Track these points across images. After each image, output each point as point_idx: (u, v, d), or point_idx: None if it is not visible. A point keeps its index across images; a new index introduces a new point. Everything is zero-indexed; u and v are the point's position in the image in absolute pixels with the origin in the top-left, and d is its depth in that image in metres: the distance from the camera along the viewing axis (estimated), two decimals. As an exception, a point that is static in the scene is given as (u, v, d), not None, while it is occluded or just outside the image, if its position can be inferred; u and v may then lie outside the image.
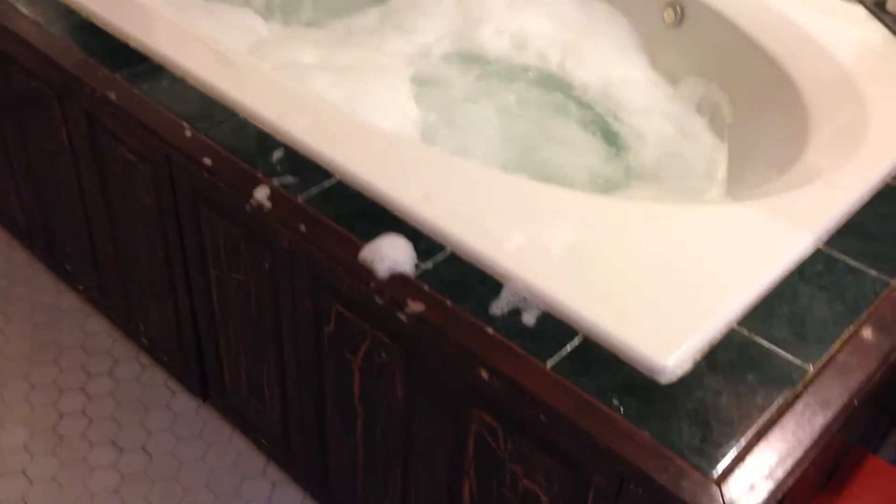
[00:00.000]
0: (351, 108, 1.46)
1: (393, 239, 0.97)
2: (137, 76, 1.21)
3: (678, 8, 1.59)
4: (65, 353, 1.55)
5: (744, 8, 1.52)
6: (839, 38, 1.41)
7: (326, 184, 1.05)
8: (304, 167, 1.07)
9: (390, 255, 0.95)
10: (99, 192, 1.35)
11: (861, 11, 1.47)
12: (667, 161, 1.47)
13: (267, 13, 1.76)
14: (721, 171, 1.43)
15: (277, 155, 1.09)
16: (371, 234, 0.97)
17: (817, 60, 1.38)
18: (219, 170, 1.08)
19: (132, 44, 1.28)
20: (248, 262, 1.12)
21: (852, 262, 0.97)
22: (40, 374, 1.52)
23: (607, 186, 1.44)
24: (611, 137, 1.53)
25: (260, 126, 1.13)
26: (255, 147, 1.10)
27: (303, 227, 0.99)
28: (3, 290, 1.67)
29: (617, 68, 1.61)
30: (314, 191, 1.04)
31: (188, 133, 1.11)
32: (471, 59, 1.72)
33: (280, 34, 1.66)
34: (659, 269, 0.94)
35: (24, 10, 1.35)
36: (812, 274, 0.96)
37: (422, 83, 1.62)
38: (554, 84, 1.65)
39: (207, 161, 1.08)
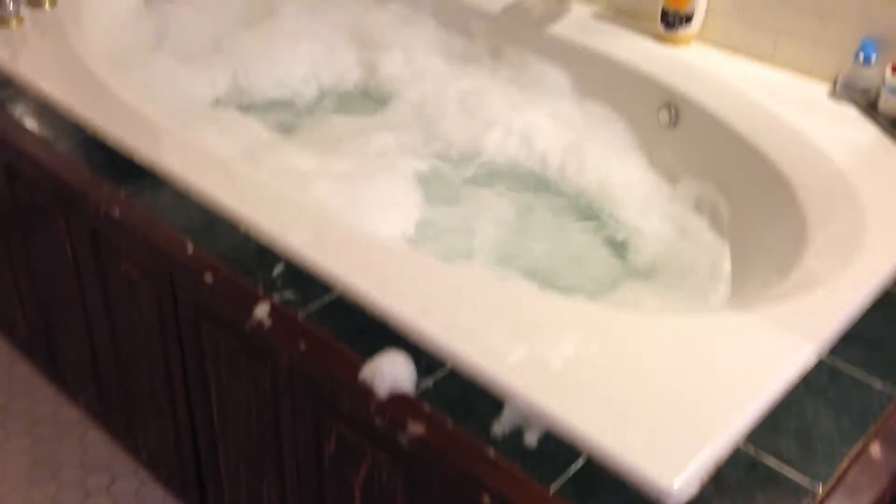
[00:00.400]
0: (353, 215, 1.49)
1: (393, 356, 0.97)
2: (142, 191, 1.24)
3: (673, 109, 1.63)
4: (63, 468, 1.54)
5: (737, 109, 1.56)
6: (832, 139, 1.44)
7: (327, 298, 1.06)
8: (305, 282, 1.09)
9: (390, 373, 0.95)
10: (102, 307, 1.36)
11: (853, 112, 1.51)
12: (669, 260, 1.48)
13: (267, 119, 1.80)
14: (725, 269, 1.43)
15: (278, 269, 1.10)
16: (372, 350, 0.98)
17: (812, 162, 1.41)
18: (220, 286, 1.09)
19: (137, 158, 1.31)
20: (249, 379, 1.12)
21: (857, 374, 0.97)
22: (39, 492, 1.50)
23: (609, 288, 1.44)
24: (611, 238, 1.55)
25: (261, 240, 1.15)
26: (256, 262, 1.12)
27: (303, 346, 1.00)
28: (3, 404, 1.67)
29: (616, 169, 1.64)
30: (315, 306, 1.05)
31: (190, 249, 1.13)
32: (471, 160, 1.75)
33: (279, 139, 1.70)
34: (662, 385, 0.93)
35: (30, 125, 1.39)
36: (817, 386, 0.95)
37: (422, 185, 1.65)
38: (553, 184, 1.68)
39: (209, 278, 1.09)
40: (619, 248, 1.53)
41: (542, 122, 1.75)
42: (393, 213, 1.55)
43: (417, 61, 1.97)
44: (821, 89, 1.58)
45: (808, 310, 1.07)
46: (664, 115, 1.64)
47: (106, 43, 1.78)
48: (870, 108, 1.49)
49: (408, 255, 1.18)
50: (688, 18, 1.67)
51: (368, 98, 1.98)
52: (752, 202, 1.47)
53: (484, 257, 1.51)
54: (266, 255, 1.13)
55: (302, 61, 1.99)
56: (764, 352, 0.99)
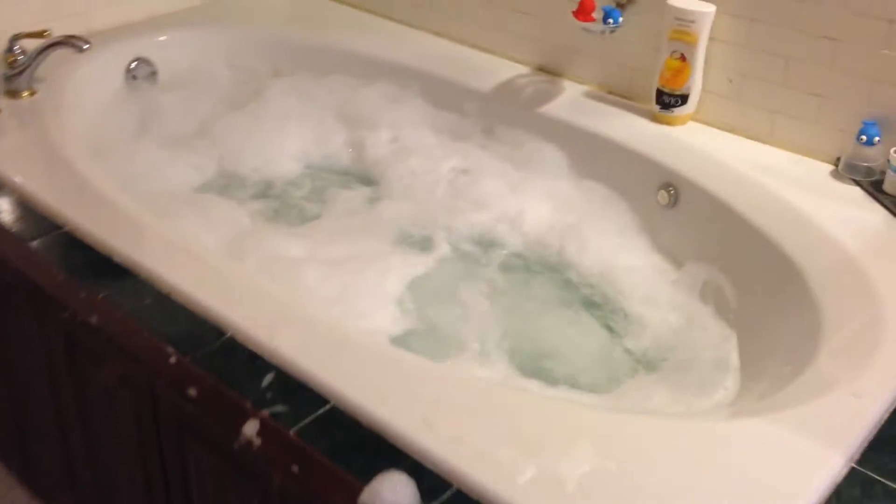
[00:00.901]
0: (343, 306, 1.43)
1: (393, 478, 0.90)
2: (121, 294, 1.18)
3: (672, 189, 1.60)
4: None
5: (738, 189, 1.53)
6: (839, 221, 1.41)
7: (320, 411, 1.00)
8: (297, 392, 1.02)
9: (391, 498, 0.88)
10: (77, 415, 1.29)
11: (857, 192, 1.48)
12: (675, 351, 1.42)
13: (254, 205, 1.76)
14: (733, 361, 1.38)
15: (268, 379, 1.04)
16: (371, 469, 0.91)
17: (819, 245, 1.37)
18: (205, 401, 1.02)
19: (116, 258, 1.25)
20: (238, 501, 1.04)
21: (890, 483, 0.91)
22: None
23: (615, 381, 1.38)
24: (615, 327, 1.50)
25: (250, 346, 1.09)
26: (244, 371, 1.05)
27: (295, 468, 0.93)
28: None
29: (617, 252, 1.59)
30: (307, 420, 0.98)
31: (173, 359, 1.07)
32: (465, 243, 1.70)
33: (266, 226, 1.65)
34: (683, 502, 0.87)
35: (3, 221, 1.33)
36: (850, 499, 0.89)
37: (415, 272, 1.59)
38: (553, 270, 1.63)
39: (193, 392, 1.03)
40: (623, 337, 1.48)
41: (539, 202, 1.71)
42: (385, 304, 1.49)
43: (407, 140, 1.94)
44: (823, 169, 1.55)
45: (831, 412, 1.02)
46: (663, 196, 1.61)
47: (87, 131, 1.74)
48: (875, 188, 1.47)
49: (405, 360, 1.12)
50: (683, 99, 1.65)
51: (358, 179, 1.93)
52: (758, 287, 1.43)
53: (483, 352, 1.45)
54: (255, 362, 1.07)
55: (289, 144, 1.95)
56: (792, 462, 0.94)
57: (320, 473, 0.92)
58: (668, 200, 1.60)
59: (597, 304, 1.55)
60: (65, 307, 1.17)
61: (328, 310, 1.34)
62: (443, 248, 1.69)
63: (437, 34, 2.07)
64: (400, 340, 1.43)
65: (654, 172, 1.64)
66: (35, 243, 1.28)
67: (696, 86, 1.64)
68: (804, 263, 1.34)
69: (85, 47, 1.63)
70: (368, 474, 0.90)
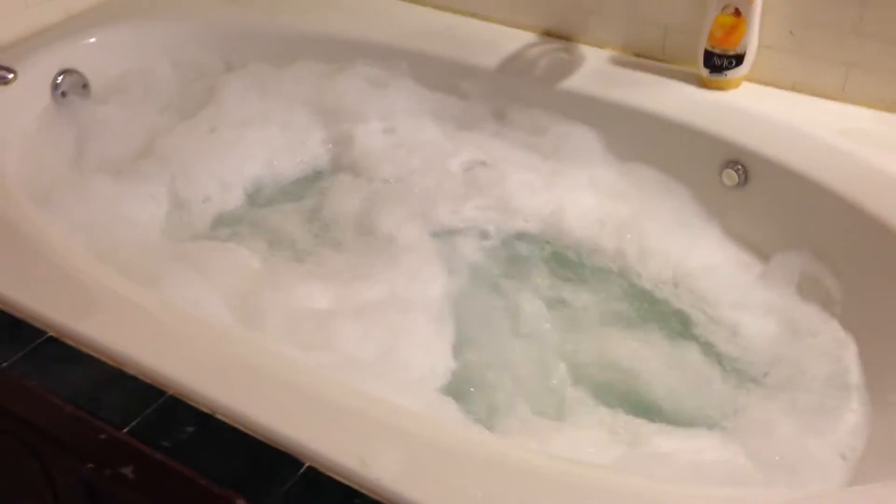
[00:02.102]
0: (389, 364, 1.19)
1: None
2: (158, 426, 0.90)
3: (739, 167, 1.39)
4: None
5: (820, 159, 1.33)
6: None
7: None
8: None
9: None
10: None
11: (962, 151, 1.29)
12: (784, 366, 1.23)
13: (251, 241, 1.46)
14: (854, 375, 1.19)
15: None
16: None
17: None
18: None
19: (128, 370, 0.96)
20: None
21: None
22: None
23: (728, 412, 1.18)
24: (708, 343, 1.28)
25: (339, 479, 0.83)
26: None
27: None
28: None
29: (688, 249, 1.38)
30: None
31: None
32: (505, 252, 1.46)
33: (276, 268, 1.37)
34: None
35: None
36: None
37: (458, 306, 1.35)
38: (616, 276, 1.40)
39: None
40: (720, 356, 1.26)
41: (580, 196, 1.47)
42: (433, 348, 1.25)
43: (404, 131, 1.67)
44: (912, 126, 1.36)
45: None
46: (730, 176, 1.39)
47: (19, 172, 1.41)
48: (982, 145, 1.29)
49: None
50: (738, 59, 1.42)
51: (352, 184, 1.63)
52: (869, 277, 1.24)
53: (562, 391, 1.22)
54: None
55: (257, 152, 1.64)
56: None
57: None
58: (737, 180, 1.39)
59: (676, 317, 1.33)
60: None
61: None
62: (477, 260, 1.45)
63: (421, 3, 1.78)
64: (461, 389, 1.21)
65: (714, 148, 1.42)
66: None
67: (752, 43, 1.42)
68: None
69: (10, 77, 1.29)
70: None
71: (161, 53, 1.74)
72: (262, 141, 1.65)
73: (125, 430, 0.87)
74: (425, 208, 1.53)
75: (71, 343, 0.97)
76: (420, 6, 1.77)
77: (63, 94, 1.59)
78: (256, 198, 1.59)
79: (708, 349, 1.28)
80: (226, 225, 1.51)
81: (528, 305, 1.36)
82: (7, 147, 1.44)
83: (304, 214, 1.55)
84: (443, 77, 1.67)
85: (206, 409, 0.90)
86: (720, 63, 1.43)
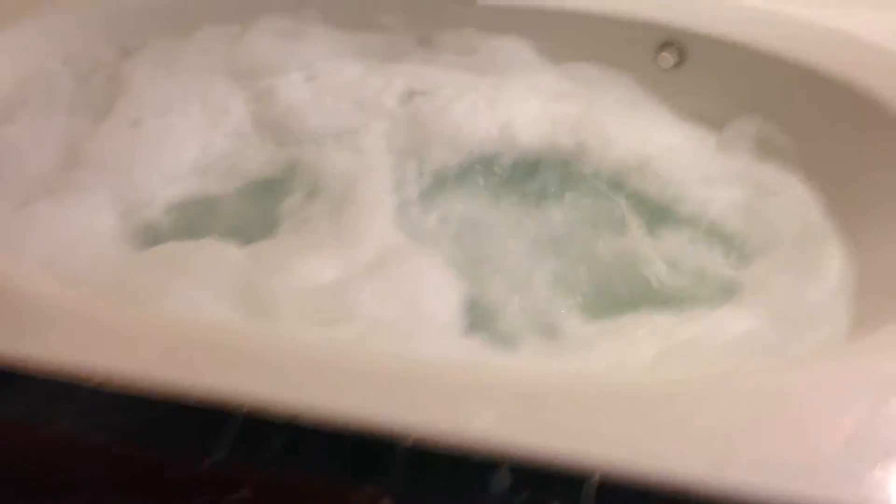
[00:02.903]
0: (413, 318, 1.21)
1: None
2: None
3: (672, 48, 1.44)
4: None
5: (748, 24, 1.40)
6: (877, 27, 1.32)
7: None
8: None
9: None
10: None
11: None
12: (759, 230, 1.32)
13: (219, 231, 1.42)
14: (824, 222, 1.29)
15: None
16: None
17: (881, 59, 1.28)
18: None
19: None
20: None
21: None
22: None
23: (721, 288, 1.26)
24: (691, 223, 1.35)
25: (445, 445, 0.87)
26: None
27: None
28: None
29: (644, 134, 1.43)
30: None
31: None
32: (474, 175, 1.48)
33: (259, 253, 1.34)
34: None
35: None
36: None
37: (446, 241, 1.37)
38: (583, 178, 1.44)
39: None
40: (701, 233, 1.34)
41: (528, 103, 1.50)
42: (446, 293, 1.27)
43: (329, 76, 1.63)
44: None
45: None
46: (666, 59, 1.45)
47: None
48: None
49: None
50: (651, -61, 1.45)
51: (289, 144, 1.60)
52: (820, 129, 1.34)
53: (551, 298, 1.28)
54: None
55: (187, 137, 1.58)
56: None
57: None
58: (673, 62, 1.45)
59: (649, 200, 1.40)
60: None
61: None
62: (448, 191, 1.46)
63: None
64: (481, 324, 1.25)
65: (642, 34, 1.47)
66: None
67: (661, -80, 1.45)
68: (879, 92, 1.26)
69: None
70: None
71: (50, 53, 1.63)
72: (189, 123, 1.59)
73: (219, 457, 0.87)
74: (374, 151, 1.53)
75: (118, 390, 0.95)
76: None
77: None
78: (205, 184, 1.54)
79: (688, 229, 1.36)
80: (185, 220, 1.46)
81: (509, 225, 1.40)
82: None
83: (258, 190, 1.52)
84: (355, 14, 1.63)
85: (286, 416, 0.91)
86: (634, -52, 1.46)
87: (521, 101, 1.51)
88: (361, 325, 1.17)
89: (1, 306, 1.06)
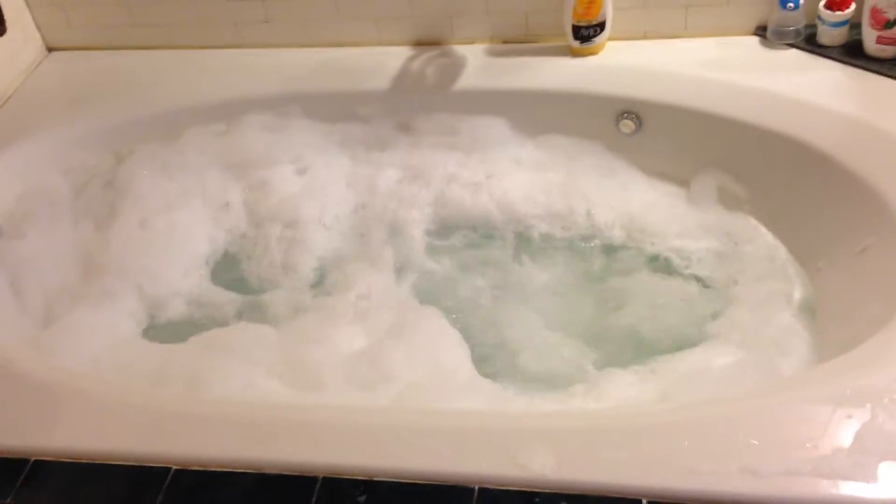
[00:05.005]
0: (438, 373, 1.33)
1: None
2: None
3: (631, 116, 1.62)
4: None
5: (692, 90, 1.59)
6: (804, 86, 1.52)
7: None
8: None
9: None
10: None
11: (796, 53, 1.60)
12: (730, 269, 1.49)
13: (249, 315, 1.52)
14: (782, 255, 1.48)
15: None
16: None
17: (811, 115, 1.48)
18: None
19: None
20: None
21: None
22: None
23: (704, 326, 1.41)
24: (675, 271, 1.51)
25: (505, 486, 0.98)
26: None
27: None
28: None
29: (623, 194, 1.60)
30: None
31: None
32: (469, 241, 1.63)
33: (292, 328, 1.44)
34: None
35: None
36: None
37: (456, 304, 1.51)
38: (576, 239, 1.59)
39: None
40: (685, 278, 1.50)
41: (515, 176, 1.65)
42: (458, 346, 1.41)
43: (318, 169, 1.75)
44: (749, 42, 1.65)
45: None
46: (627, 125, 1.63)
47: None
48: (809, 44, 1.59)
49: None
50: (601, 26, 1.64)
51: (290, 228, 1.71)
52: (767, 176, 1.52)
53: (570, 352, 1.41)
54: None
55: (194, 231, 1.67)
56: None
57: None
58: (633, 127, 1.62)
59: (638, 255, 1.55)
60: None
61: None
62: (450, 258, 1.60)
63: (287, 46, 1.85)
64: (495, 373, 1.38)
65: (604, 106, 1.64)
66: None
67: (609, 10, 1.64)
68: (810, 138, 1.45)
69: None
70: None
71: (47, 167, 1.70)
72: (194, 216, 1.68)
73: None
74: (376, 229, 1.66)
75: (199, 468, 1.03)
76: (288, 49, 1.84)
77: (-23, 244, 1.54)
78: (220, 273, 1.63)
79: (674, 277, 1.52)
80: (212, 309, 1.55)
81: (512, 283, 1.55)
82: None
83: (272, 271, 1.62)
84: (335, 108, 1.76)
85: (362, 477, 1.00)
86: (587, 33, 1.65)
87: (510, 174, 1.66)
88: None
89: (67, 404, 1.14)
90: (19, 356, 1.23)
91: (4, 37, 1.72)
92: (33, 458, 1.06)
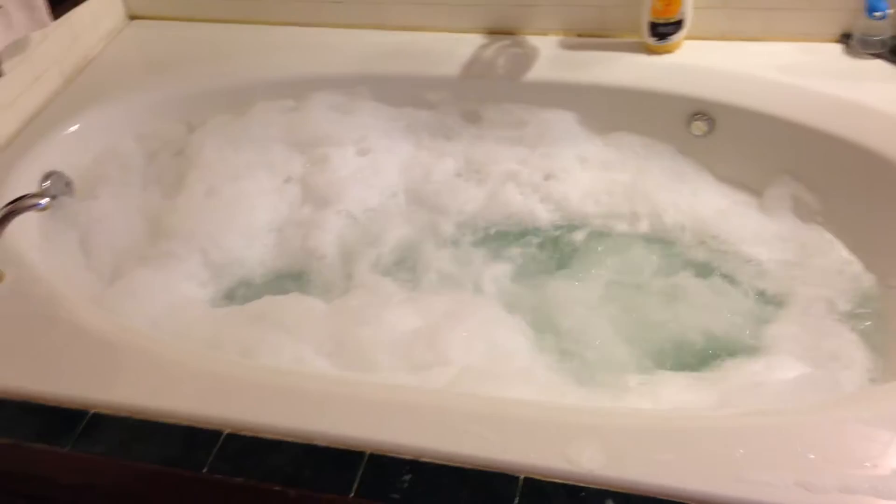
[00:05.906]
0: (498, 359, 1.32)
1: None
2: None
3: (704, 117, 1.59)
4: None
5: (768, 94, 1.56)
6: (887, 98, 1.47)
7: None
8: None
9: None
10: None
11: (882, 64, 1.55)
12: (803, 281, 1.45)
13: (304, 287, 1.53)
14: (857, 270, 1.43)
15: None
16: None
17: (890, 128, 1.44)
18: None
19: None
20: None
21: None
22: None
23: (772, 337, 1.38)
24: (752, 284, 1.47)
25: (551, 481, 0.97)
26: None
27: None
28: None
29: (693, 199, 1.57)
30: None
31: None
32: (534, 240, 1.60)
33: (343, 306, 1.45)
34: None
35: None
36: None
37: (520, 297, 1.49)
38: (643, 241, 1.56)
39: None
40: (754, 290, 1.46)
41: (578, 173, 1.63)
42: (521, 336, 1.40)
43: (381, 151, 1.75)
44: (833, 50, 1.61)
45: None
46: (698, 127, 1.60)
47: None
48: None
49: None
50: (678, 25, 1.62)
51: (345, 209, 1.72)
52: (842, 186, 1.48)
53: (614, 353, 1.39)
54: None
55: (259, 201, 1.69)
56: None
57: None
58: (705, 129, 1.59)
59: (710, 265, 1.51)
60: None
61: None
62: (514, 255, 1.58)
63: (360, 27, 1.85)
64: (556, 367, 1.36)
65: (677, 106, 1.62)
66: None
67: (688, 8, 1.61)
68: (891, 152, 1.41)
69: (43, 203, 1.29)
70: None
71: (122, 131, 1.74)
72: (259, 187, 1.70)
73: (352, 496, 0.97)
74: (434, 214, 1.66)
75: (250, 434, 1.05)
76: (361, 30, 1.85)
77: (53, 197, 1.57)
78: (278, 245, 1.65)
79: (739, 285, 1.47)
80: (268, 279, 1.57)
81: (577, 283, 1.52)
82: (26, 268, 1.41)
83: (330, 249, 1.63)
84: (404, 92, 1.76)
85: (409, 457, 1.01)
86: (665, 31, 1.62)
87: (574, 172, 1.64)
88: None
89: (127, 361, 1.16)
90: (85, 311, 1.26)
91: (88, 2, 1.77)
92: (92, 411, 1.09)
